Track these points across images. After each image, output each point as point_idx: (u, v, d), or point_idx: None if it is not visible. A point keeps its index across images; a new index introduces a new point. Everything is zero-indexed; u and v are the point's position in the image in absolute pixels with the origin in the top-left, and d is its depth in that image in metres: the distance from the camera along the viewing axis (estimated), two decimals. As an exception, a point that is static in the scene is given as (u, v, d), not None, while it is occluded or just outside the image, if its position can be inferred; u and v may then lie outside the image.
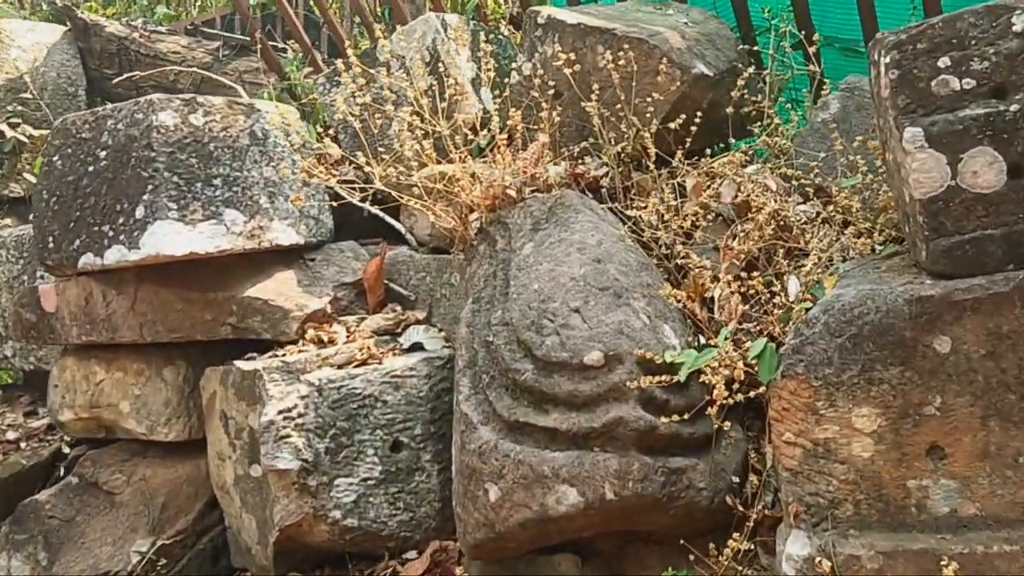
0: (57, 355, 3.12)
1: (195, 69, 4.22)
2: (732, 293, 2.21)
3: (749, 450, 2.18)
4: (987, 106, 1.71)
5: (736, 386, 2.02)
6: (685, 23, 2.94)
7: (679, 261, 2.43)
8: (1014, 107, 1.70)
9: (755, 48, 3.09)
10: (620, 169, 2.69)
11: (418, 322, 2.77)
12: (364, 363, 2.57)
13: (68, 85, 4.57)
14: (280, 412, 2.44)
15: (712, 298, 2.29)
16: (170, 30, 4.83)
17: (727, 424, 2.05)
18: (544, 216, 2.47)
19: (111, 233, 2.61)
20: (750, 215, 2.39)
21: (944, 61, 1.74)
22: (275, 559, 2.51)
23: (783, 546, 1.87)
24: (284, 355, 2.62)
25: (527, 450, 2.07)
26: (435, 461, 2.53)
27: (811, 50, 2.94)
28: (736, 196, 2.47)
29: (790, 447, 1.86)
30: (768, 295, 2.18)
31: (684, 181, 2.59)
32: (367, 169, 2.68)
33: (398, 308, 2.84)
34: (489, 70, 2.70)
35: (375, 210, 2.91)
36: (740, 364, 2.01)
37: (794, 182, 2.51)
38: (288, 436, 2.43)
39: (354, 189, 2.75)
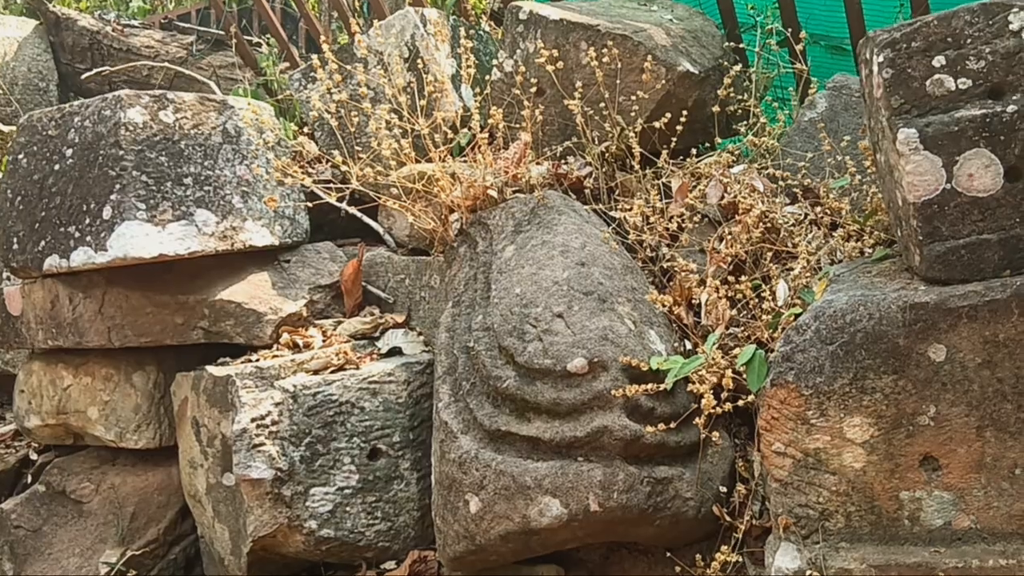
0: (24, 359, 3.03)
1: (168, 64, 4.13)
2: (719, 298, 2.16)
3: (736, 458, 2.13)
4: (983, 107, 1.66)
5: (724, 395, 1.97)
6: (670, 20, 2.89)
7: (665, 264, 2.37)
8: (1011, 108, 1.65)
9: (740, 46, 3.04)
10: (604, 169, 2.63)
11: (396, 325, 2.70)
12: (341, 368, 2.50)
13: (39, 80, 4.47)
14: (253, 419, 2.36)
15: (699, 303, 2.23)
16: (144, 24, 4.74)
17: (715, 434, 2.00)
18: (526, 218, 2.40)
19: (77, 234, 2.52)
20: (737, 217, 2.33)
21: (939, 60, 1.69)
22: (249, 570, 2.44)
23: (772, 559, 1.82)
24: (258, 360, 2.54)
25: (509, 460, 2.01)
26: (414, 469, 2.46)
27: (797, 48, 2.90)
28: (723, 197, 2.42)
29: (780, 457, 1.80)
30: (756, 299, 2.13)
31: (669, 182, 2.54)
32: (344, 168, 2.60)
33: (376, 311, 2.77)
34: (469, 67, 2.63)
35: (352, 210, 2.84)
36: (728, 372, 1.96)
37: (781, 183, 2.46)
38: (262, 444, 2.35)
39: (331, 189, 2.68)
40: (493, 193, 2.51)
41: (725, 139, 2.78)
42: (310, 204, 2.75)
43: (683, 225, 2.39)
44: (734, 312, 2.17)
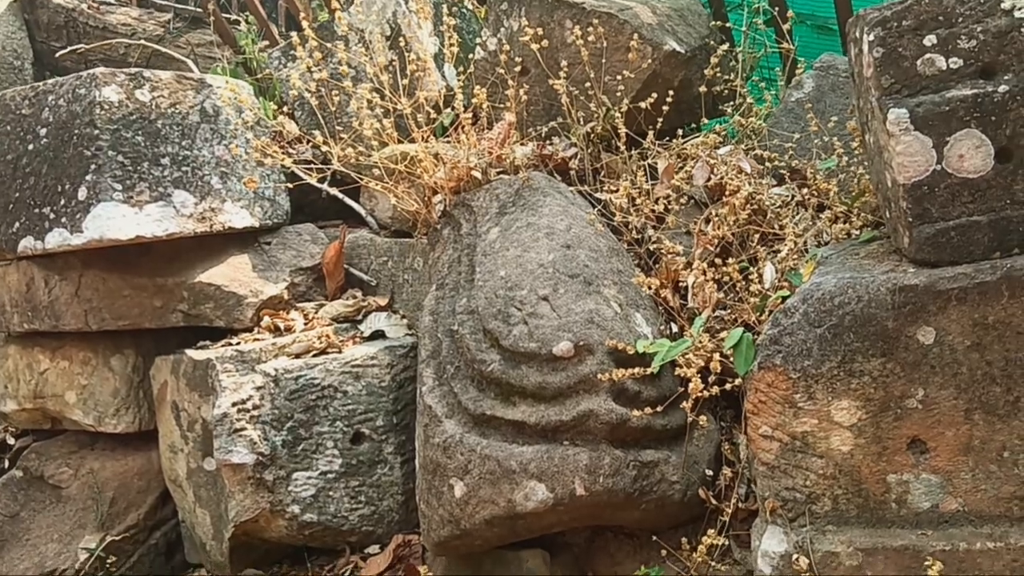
0: (-1, 343, 2.98)
1: (145, 42, 4.04)
2: (706, 280, 2.14)
3: (722, 441, 2.12)
4: (975, 87, 1.64)
5: (712, 378, 1.95)
6: (656, -2, 2.85)
7: (651, 246, 2.35)
8: (1003, 88, 1.63)
9: (727, 25, 3.01)
10: (589, 150, 2.60)
11: (379, 308, 2.67)
12: (323, 352, 2.47)
13: (14, 58, 4.37)
14: (234, 404, 2.33)
15: (685, 285, 2.21)
16: (120, 2, 4.64)
17: (701, 417, 1.98)
18: (511, 199, 2.37)
19: (52, 215, 2.46)
20: (724, 198, 2.31)
21: (930, 39, 1.66)
22: (231, 555, 2.42)
23: (759, 542, 1.82)
24: (238, 343, 2.51)
25: (494, 444, 1.99)
26: (398, 453, 2.44)
27: (784, 27, 2.87)
28: (709, 179, 2.39)
29: (767, 441, 1.79)
30: (743, 282, 2.11)
31: (655, 163, 2.51)
32: (325, 148, 2.56)
33: (358, 294, 2.73)
34: (453, 45, 2.58)
35: (334, 191, 2.79)
36: (716, 356, 1.94)
37: (768, 164, 2.44)
38: (243, 429, 2.32)
39: (311, 170, 2.64)
40: (477, 174, 2.47)
41: (712, 120, 2.75)
42: (291, 185, 2.70)
43: (669, 207, 2.36)
44: (721, 295, 2.15)
